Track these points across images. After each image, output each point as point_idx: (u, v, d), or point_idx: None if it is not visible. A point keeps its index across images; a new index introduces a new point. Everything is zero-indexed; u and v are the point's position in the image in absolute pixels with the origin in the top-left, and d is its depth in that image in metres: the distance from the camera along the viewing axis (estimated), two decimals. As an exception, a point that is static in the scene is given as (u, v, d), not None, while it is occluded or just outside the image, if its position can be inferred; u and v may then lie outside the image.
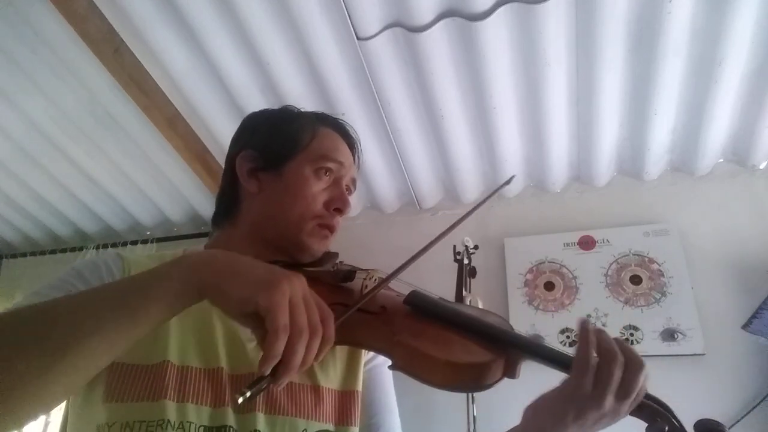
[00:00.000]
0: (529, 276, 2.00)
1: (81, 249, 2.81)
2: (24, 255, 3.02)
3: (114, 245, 2.72)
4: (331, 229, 0.77)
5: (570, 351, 0.60)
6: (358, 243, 2.12)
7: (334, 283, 0.73)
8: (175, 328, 0.65)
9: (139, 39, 1.68)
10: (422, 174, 2.13)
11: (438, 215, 2.26)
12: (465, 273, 1.72)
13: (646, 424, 0.60)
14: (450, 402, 1.72)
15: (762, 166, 1.87)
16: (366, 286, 0.71)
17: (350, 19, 1.50)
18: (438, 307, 0.70)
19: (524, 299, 1.97)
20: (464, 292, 1.65)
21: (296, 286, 0.48)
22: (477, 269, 1.78)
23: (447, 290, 1.68)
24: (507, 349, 0.62)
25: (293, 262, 0.75)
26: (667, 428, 0.59)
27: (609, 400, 0.56)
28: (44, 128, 2.11)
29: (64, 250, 2.86)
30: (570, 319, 1.88)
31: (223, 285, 0.49)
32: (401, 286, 0.71)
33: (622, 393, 0.56)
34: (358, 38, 1.56)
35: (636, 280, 1.85)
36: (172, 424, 0.58)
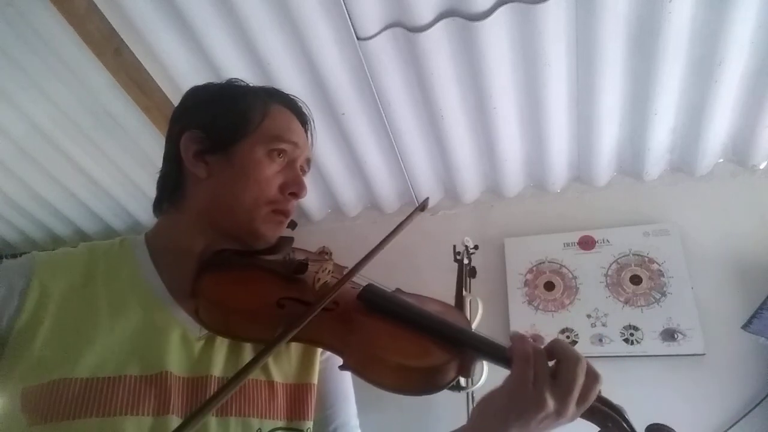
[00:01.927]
0: (529, 276, 2.00)
1: (81, 249, 2.81)
2: (24, 255, 3.02)
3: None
4: (286, 214, 0.73)
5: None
6: (358, 243, 2.12)
7: (288, 275, 0.69)
8: (103, 337, 0.60)
9: (139, 39, 1.68)
10: (422, 174, 2.13)
11: (438, 215, 2.26)
12: (465, 273, 1.72)
13: (598, 429, 0.59)
14: (450, 402, 1.72)
15: (762, 166, 1.87)
16: (318, 279, 0.67)
17: (350, 19, 1.50)
18: (392, 303, 0.67)
19: (524, 299, 1.97)
20: (464, 292, 1.66)
21: None
22: (477, 269, 1.78)
23: (447, 290, 1.69)
24: (462, 349, 0.61)
25: (245, 250, 0.72)
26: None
27: (548, 399, 0.54)
28: (44, 128, 2.11)
29: (64, 250, 2.86)
30: (570, 319, 1.88)
31: None
32: (359, 278, 0.68)
33: (560, 392, 0.54)
34: (358, 38, 1.56)
35: (636, 280, 1.85)
36: None
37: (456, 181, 2.14)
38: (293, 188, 0.72)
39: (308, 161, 0.78)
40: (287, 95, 0.79)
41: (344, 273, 0.62)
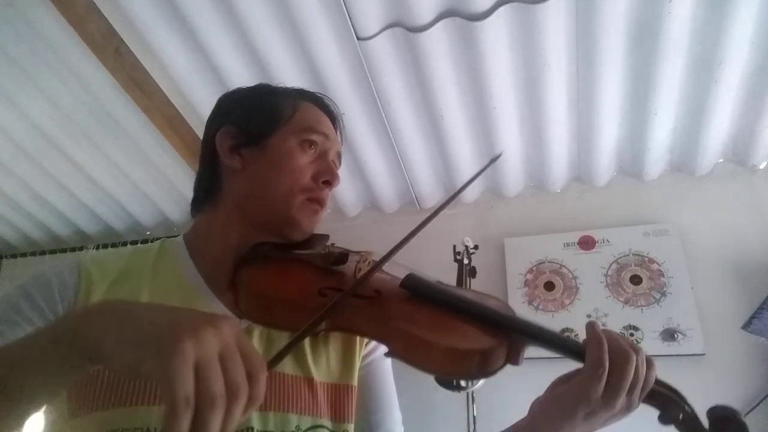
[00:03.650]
0: (529, 276, 2.00)
1: (81, 249, 2.81)
2: (24, 255, 3.02)
3: (114, 245, 2.72)
4: (320, 203, 0.73)
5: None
6: (358, 243, 2.11)
7: (326, 266, 0.69)
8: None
9: (139, 39, 1.68)
10: (422, 174, 2.13)
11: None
12: (465, 273, 1.72)
13: (659, 412, 0.59)
14: (450, 402, 1.72)
15: (762, 166, 1.87)
16: (360, 269, 0.68)
17: (350, 19, 1.50)
18: (436, 291, 0.66)
19: (524, 299, 1.97)
20: (464, 292, 1.65)
21: (207, 340, 0.37)
22: (477, 269, 1.78)
23: (447, 290, 1.69)
24: (510, 335, 0.60)
25: (283, 243, 0.72)
26: (681, 416, 0.58)
27: (621, 399, 0.55)
28: (44, 128, 2.11)
29: (64, 250, 2.86)
30: (570, 319, 1.88)
31: (105, 348, 0.40)
32: (398, 270, 0.68)
33: (634, 390, 0.56)
34: (358, 38, 1.56)
35: (636, 280, 1.85)
36: (151, 430, 0.54)
37: (456, 181, 2.14)
38: (326, 176, 0.73)
39: (339, 155, 0.79)
40: (317, 94, 0.81)
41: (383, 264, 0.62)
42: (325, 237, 0.77)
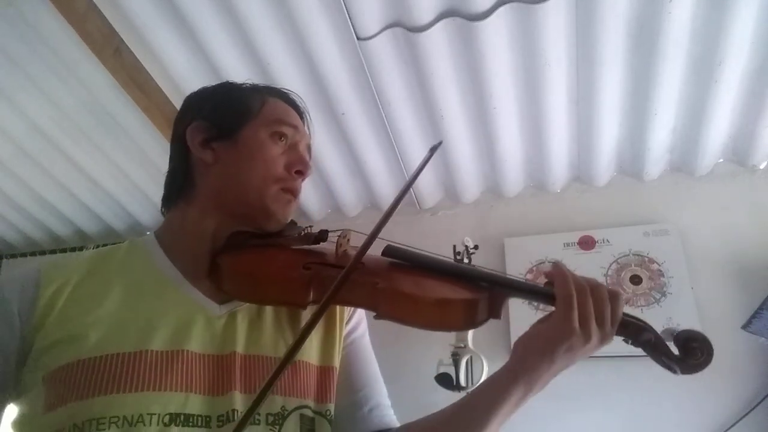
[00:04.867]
0: (529, 276, 2.00)
1: (81, 249, 2.81)
2: (24, 255, 3.02)
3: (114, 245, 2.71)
4: (294, 192, 0.75)
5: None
6: (358, 243, 2.11)
7: (306, 244, 0.73)
8: (117, 317, 0.62)
9: (139, 39, 1.68)
10: (422, 174, 2.12)
11: (438, 215, 2.26)
12: (465, 273, 1.72)
13: (631, 340, 0.65)
14: (450, 402, 1.72)
15: (762, 166, 1.87)
16: (341, 245, 0.71)
17: (350, 19, 1.50)
18: (416, 256, 0.71)
19: (524, 299, 1.97)
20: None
21: None
22: (477, 269, 1.78)
23: (447, 290, 1.69)
24: (490, 287, 0.65)
25: (259, 233, 0.73)
26: (653, 338, 0.65)
27: (593, 328, 0.59)
28: (44, 128, 2.11)
29: (64, 250, 2.86)
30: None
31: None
32: (374, 247, 0.70)
33: (603, 319, 0.61)
34: (358, 38, 1.56)
35: (636, 280, 1.85)
36: (128, 418, 0.54)
37: (456, 181, 2.14)
38: (299, 166, 0.74)
39: (309, 148, 0.81)
40: (283, 90, 0.82)
41: (363, 242, 0.64)
42: (295, 224, 0.78)
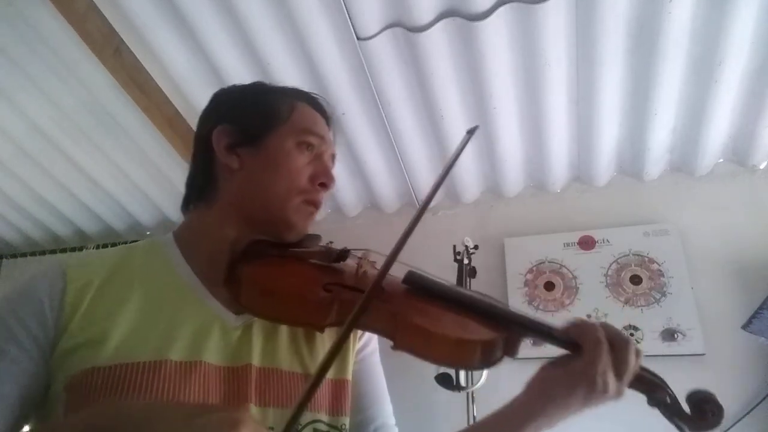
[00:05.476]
0: (529, 276, 2.00)
1: (81, 249, 2.81)
2: (24, 255, 3.02)
3: (114, 245, 2.71)
4: (316, 205, 0.74)
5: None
6: (358, 243, 2.11)
7: (326, 263, 0.71)
8: (136, 325, 0.61)
9: (139, 39, 1.68)
10: (422, 174, 2.13)
11: (438, 215, 2.26)
12: (465, 273, 1.72)
13: (646, 396, 0.64)
14: (450, 402, 1.72)
15: (762, 166, 1.87)
16: (361, 267, 0.70)
17: (350, 19, 1.50)
18: (437, 286, 0.69)
19: (524, 299, 1.97)
20: (464, 292, 1.66)
21: None
22: (477, 269, 1.78)
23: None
24: (508, 327, 0.63)
25: (277, 242, 0.72)
26: (667, 399, 0.63)
27: (611, 383, 0.58)
28: (44, 128, 2.11)
29: (64, 250, 2.86)
30: (570, 319, 1.87)
31: None
32: (395, 267, 0.68)
33: (620, 376, 0.59)
34: (358, 38, 1.56)
35: (636, 280, 1.85)
36: None
37: (456, 181, 2.14)
38: (323, 178, 0.74)
39: (333, 157, 0.80)
40: (312, 94, 0.81)
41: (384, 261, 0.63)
42: (318, 237, 0.77)
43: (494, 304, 0.67)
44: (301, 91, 0.80)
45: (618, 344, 0.60)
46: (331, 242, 0.77)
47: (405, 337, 0.61)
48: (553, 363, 0.63)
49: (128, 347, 0.59)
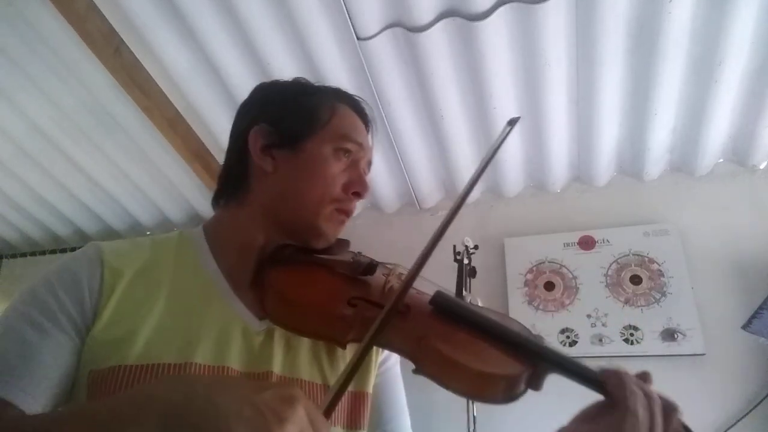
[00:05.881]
0: (529, 276, 2.00)
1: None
2: (24, 255, 3.02)
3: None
4: (348, 213, 0.73)
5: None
6: (358, 243, 2.11)
7: (353, 275, 0.69)
8: (162, 324, 0.60)
9: (139, 39, 1.68)
10: (422, 174, 2.13)
11: (438, 215, 2.26)
12: (465, 273, 1.72)
13: None
14: (450, 402, 1.72)
15: (762, 166, 1.87)
16: (389, 282, 0.67)
17: (350, 19, 1.50)
18: (465, 311, 0.65)
19: (524, 299, 1.97)
20: (464, 293, 1.65)
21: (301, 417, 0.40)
22: (477, 269, 1.78)
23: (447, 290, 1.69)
24: (536, 362, 0.59)
25: (305, 247, 0.71)
26: None
27: None
28: (44, 128, 2.11)
29: (64, 250, 2.86)
30: (570, 319, 1.88)
31: None
32: (419, 282, 0.67)
33: (667, 427, 0.54)
34: (358, 38, 1.56)
35: (636, 280, 1.85)
36: None
37: (456, 181, 2.14)
38: (357, 187, 0.72)
39: (369, 163, 0.79)
40: (354, 97, 0.80)
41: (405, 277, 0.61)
42: (347, 243, 0.76)
43: (523, 334, 0.63)
44: (343, 92, 0.79)
45: (667, 407, 0.55)
46: (359, 252, 0.76)
47: (428, 365, 0.58)
48: (584, 417, 0.58)
49: (155, 347, 0.58)
